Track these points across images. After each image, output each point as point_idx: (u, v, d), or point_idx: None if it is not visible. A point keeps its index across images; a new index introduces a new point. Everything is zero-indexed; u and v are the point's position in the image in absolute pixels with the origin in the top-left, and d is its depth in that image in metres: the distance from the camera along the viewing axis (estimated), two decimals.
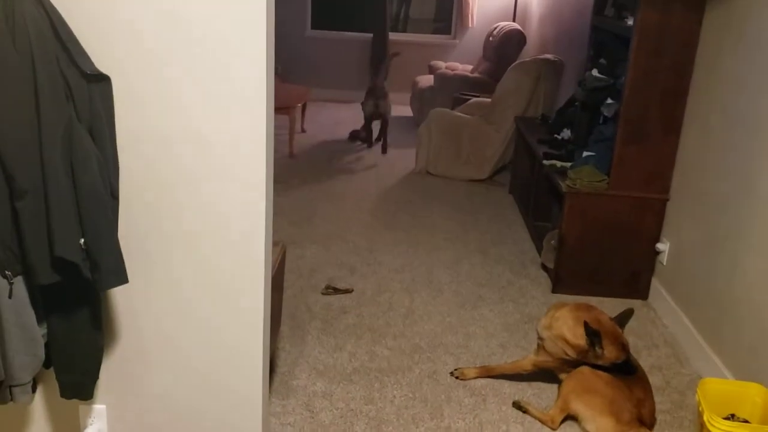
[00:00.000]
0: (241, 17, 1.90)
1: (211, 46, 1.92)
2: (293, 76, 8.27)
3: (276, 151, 6.21)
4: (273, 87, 2.06)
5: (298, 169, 5.93)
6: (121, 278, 1.82)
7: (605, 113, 4.17)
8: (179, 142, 1.99)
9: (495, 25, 7.84)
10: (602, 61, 4.30)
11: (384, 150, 6.59)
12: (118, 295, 2.14)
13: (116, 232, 1.85)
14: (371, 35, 8.38)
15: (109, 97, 1.80)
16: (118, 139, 1.91)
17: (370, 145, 6.78)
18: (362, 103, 6.65)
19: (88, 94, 1.72)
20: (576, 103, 4.64)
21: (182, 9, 1.89)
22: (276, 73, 8.41)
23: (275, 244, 2.64)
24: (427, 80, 7.69)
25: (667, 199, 3.74)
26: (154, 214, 2.05)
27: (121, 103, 1.91)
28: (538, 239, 4.47)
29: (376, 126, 6.84)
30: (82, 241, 1.72)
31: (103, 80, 1.78)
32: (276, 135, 6.89)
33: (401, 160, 6.38)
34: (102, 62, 1.87)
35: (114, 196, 1.84)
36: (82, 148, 1.68)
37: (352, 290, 3.82)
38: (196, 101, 1.96)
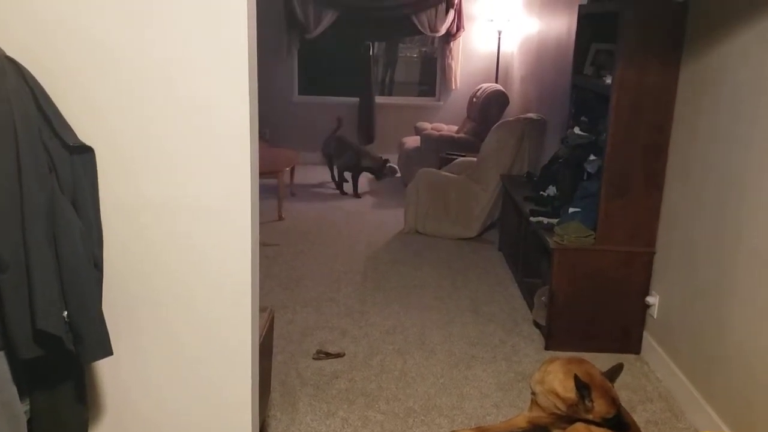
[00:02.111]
0: (224, 83, 1.92)
1: (195, 113, 1.94)
2: (281, 140, 8.36)
3: (265, 214, 6.33)
4: (257, 152, 2.07)
5: (288, 232, 5.93)
6: (106, 350, 1.79)
7: (589, 169, 4.22)
8: (164, 209, 1.99)
9: (478, 87, 8.00)
10: (584, 118, 4.37)
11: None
12: (105, 366, 2.10)
13: (100, 303, 1.83)
14: (357, 99, 8.54)
15: (92, 168, 1.81)
16: (104, 208, 1.91)
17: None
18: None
19: (70, 166, 1.72)
20: (560, 160, 4.69)
21: (165, 77, 1.91)
22: (263, 138, 8.35)
23: (263, 309, 2.62)
24: (413, 141, 7.80)
25: (654, 253, 3.74)
26: (143, 282, 2.04)
27: (108, 172, 1.92)
28: (529, 296, 4.44)
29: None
30: (65, 313, 1.69)
31: (86, 152, 1.80)
32: (265, 199, 6.58)
33: (390, 219, 6.38)
34: (88, 132, 1.88)
35: (97, 267, 1.82)
36: (65, 220, 1.67)
37: (344, 354, 3.77)
38: (182, 168, 1.97)
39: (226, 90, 1.93)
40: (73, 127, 1.83)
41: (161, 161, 1.96)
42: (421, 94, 9.15)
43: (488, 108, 7.41)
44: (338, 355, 3.74)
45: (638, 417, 3.17)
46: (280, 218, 6.30)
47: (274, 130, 8.30)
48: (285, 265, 5.10)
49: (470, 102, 7.99)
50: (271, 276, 4.82)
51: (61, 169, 1.71)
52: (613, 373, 2.79)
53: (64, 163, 1.72)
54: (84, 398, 1.93)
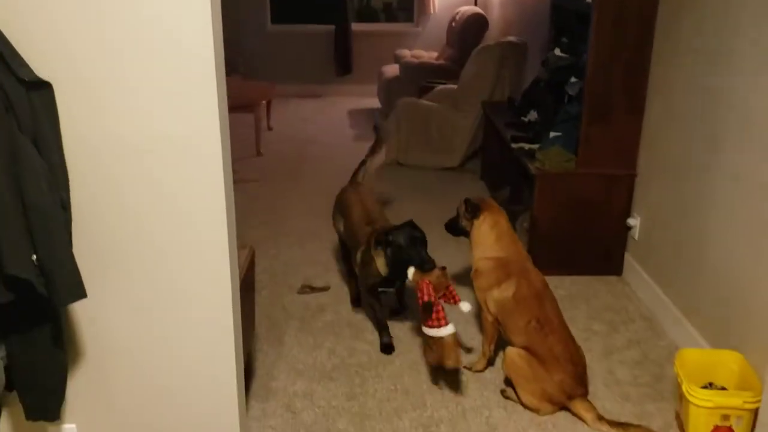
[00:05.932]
0: (187, 8, 1.85)
1: (157, 46, 1.87)
2: (256, 73, 8.12)
3: (243, 150, 6.22)
4: (224, 81, 2.00)
5: (268, 168, 5.84)
6: (79, 293, 1.76)
7: (570, 92, 4.18)
8: (129, 145, 1.93)
9: (457, 11, 7.80)
10: (564, 39, 4.32)
11: None
12: (79, 310, 2.08)
13: (70, 245, 1.80)
14: (333, 27, 8.32)
15: (51, 105, 1.74)
16: (67, 146, 1.85)
17: None
18: None
19: (28, 103, 1.66)
20: (541, 84, 4.64)
21: (126, 9, 1.84)
22: (237, 72, 7.91)
23: (243, 246, 2.59)
24: (393, 70, 7.61)
25: (635, 175, 3.74)
26: (111, 222, 1.99)
27: (69, 109, 1.85)
28: (511, 222, 4.40)
29: None
30: (35, 257, 1.65)
31: (44, 87, 1.72)
32: (242, 134, 6.17)
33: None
34: (47, 66, 1.80)
35: (64, 207, 1.77)
36: (27, 160, 1.62)
37: (329, 288, 3.78)
38: (146, 104, 1.91)
39: (188, 15, 1.85)
40: (30, 62, 1.74)
41: (124, 95, 1.89)
42: (398, 19, 8.87)
43: (467, 33, 7.23)
44: (323, 289, 3.76)
45: (620, 337, 3.25)
46: (259, 153, 6.20)
47: (248, 62, 8.09)
48: (266, 201, 5.03)
49: (449, 27, 7.80)
50: (252, 213, 4.76)
51: (18, 108, 1.64)
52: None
53: (21, 100, 1.65)
54: (61, 342, 1.91)
